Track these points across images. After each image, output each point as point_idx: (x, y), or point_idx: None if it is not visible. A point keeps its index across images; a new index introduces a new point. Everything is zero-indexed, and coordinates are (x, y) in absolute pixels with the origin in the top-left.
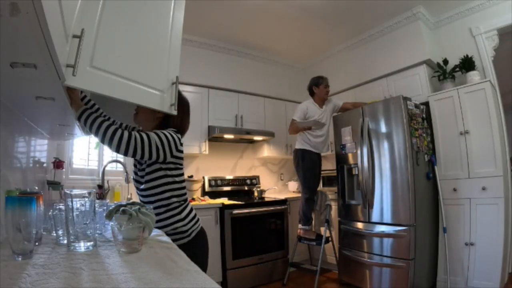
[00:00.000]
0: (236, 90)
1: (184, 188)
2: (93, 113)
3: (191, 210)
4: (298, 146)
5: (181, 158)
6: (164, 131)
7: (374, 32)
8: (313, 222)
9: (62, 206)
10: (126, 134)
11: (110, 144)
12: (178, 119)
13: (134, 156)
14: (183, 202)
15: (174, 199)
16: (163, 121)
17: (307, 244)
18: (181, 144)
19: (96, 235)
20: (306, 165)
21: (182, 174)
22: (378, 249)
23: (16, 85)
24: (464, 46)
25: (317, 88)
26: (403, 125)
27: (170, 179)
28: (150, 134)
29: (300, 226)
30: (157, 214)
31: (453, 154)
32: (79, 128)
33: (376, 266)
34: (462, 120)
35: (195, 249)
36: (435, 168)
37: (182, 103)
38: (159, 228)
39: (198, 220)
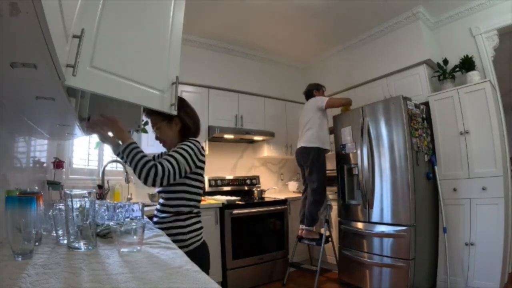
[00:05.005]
0: (236, 90)
1: (197, 200)
2: (136, 147)
3: (197, 222)
4: (313, 144)
5: (202, 168)
6: (185, 144)
7: (374, 32)
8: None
9: (62, 206)
10: (154, 170)
11: (141, 179)
12: (193, 126)
13: (167, 182)
14: (191, 212)
15: (183, 208)
16: (182, 132)
17: (307, 244)
18: (202, 155)
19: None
20: (322, 165)
21: (199, 187)
22: (378, 249)
23: (16, 85)
24: (464, 46)
25: (318, 92)
26: (403, 125)
27: (187, 188)
28: (176, 158)
29: (303, 227)
30: (167, 221)
31: (453, 154)
32: (79, 128)
33: (376, 266)
34: (462, 120)
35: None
36: (435, 168)
37: (193, 112)
38: (161, 229)
39: (200, 234)
